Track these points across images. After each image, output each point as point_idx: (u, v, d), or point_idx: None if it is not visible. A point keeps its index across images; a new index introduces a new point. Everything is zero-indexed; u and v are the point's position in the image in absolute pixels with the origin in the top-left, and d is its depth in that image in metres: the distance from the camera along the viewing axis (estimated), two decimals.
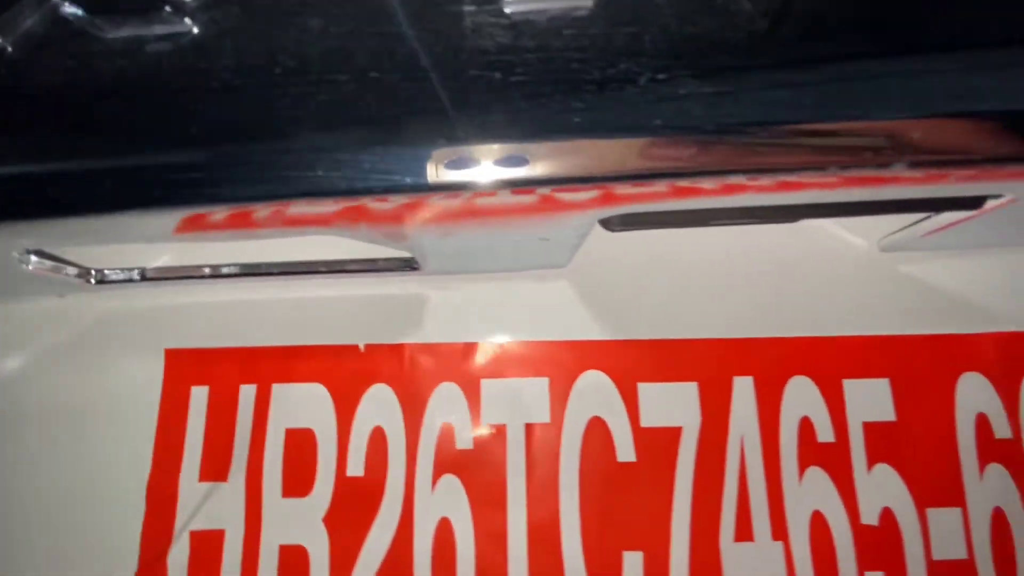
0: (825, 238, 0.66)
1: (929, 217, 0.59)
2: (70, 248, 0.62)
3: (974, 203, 0.51)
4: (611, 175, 0.42)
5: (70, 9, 0.46)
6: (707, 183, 0.43)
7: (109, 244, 0.58)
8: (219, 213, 0.48)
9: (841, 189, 0.47)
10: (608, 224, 0.55)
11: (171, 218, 0.47)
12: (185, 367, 0.67)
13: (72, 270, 0.62)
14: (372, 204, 0.48)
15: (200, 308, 0.68)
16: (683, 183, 0.43)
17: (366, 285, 0.67)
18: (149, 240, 0.54)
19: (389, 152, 0.42)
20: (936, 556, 0.60)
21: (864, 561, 0.60)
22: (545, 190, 0.45)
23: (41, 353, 0.67)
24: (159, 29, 0.45)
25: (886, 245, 0.65)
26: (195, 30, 0.45)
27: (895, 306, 0.66)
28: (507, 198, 0.46)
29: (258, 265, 0.63)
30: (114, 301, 0.68)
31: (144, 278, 0.64)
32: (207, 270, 0.63)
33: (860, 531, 0.61)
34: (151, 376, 0.67)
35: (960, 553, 0.60)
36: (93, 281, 0.63)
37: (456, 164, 0.42)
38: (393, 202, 0.46)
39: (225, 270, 0.63)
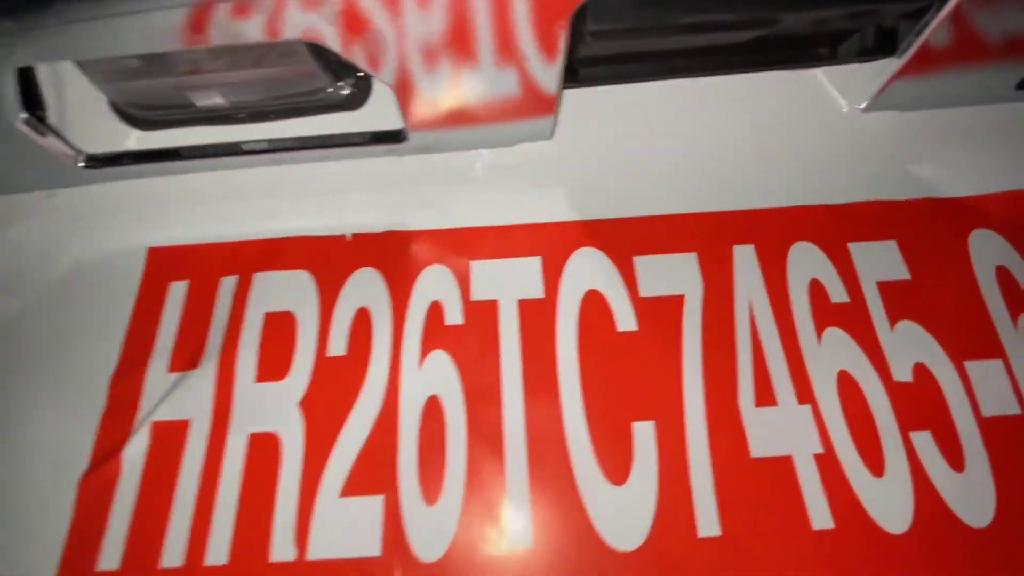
0: (810, 102, 0.60)
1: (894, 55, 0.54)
2: (66, 77, 0.55)
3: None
4: None
5: None
6: None
7: (113, 52, 0.50)
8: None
9: None
10: (575, 76, 0.51)
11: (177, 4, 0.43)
12: (166, 264, 0.60)
13: (62, 146, 0.56)
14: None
15: (185, 205, 0.62)
16: None
17: (352, 179, 0.62)
18: (155, 47, 0.48)
19: None
20: (986, 412, 0.49)
21: (906, 421, 0.49)
22: None
23: (26, 252, 0.60)
24: None
25: (867, 104, 0.59)
26: None
27: (889, 172, 0.59)
28: None
29: (244, 143, 0.59)
30: (100, 199, 0.61)
31: (132, 160, 0.59)
32: (193, 150, 0.58)
33: (895, 389, 0.50)
34: (131, 274, 0.59)
35: (1012, 407, 0.49)
36: (82, 163, 0.58)
37: None
38: None
39: (210, 150, 0.58)
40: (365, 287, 0.57)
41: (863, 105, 0.59)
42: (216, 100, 0.55)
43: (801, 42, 0.58)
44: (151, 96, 0.56)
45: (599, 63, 0.58)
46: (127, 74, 0.52)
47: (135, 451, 0.51)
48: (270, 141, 0.58)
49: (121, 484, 0.50)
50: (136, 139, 0.61)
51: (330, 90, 0.56)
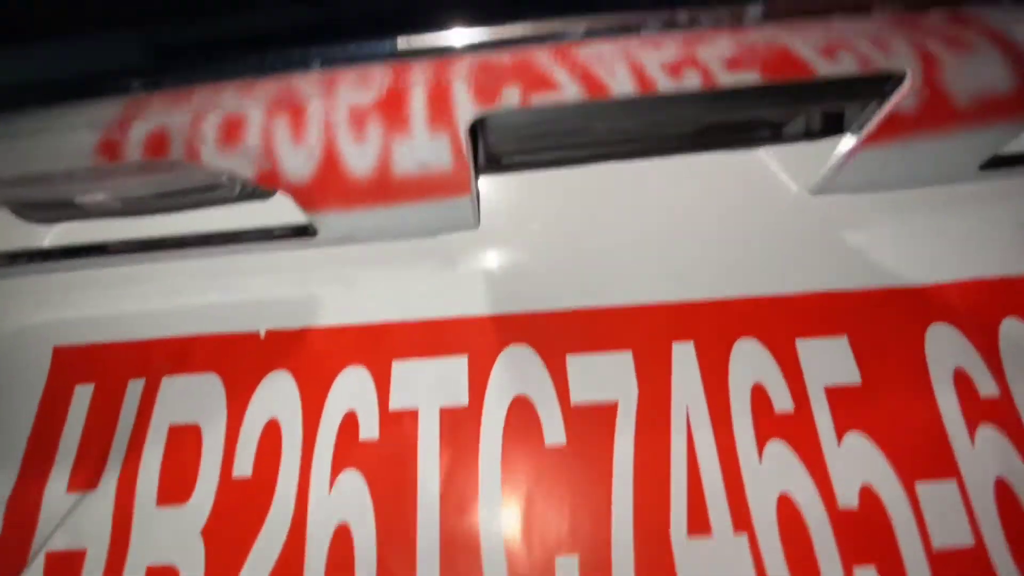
0: (755, 184, 0.55)
1: (844, 134, 0.49)
2: None
3: (878, 86, 0.43)
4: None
5: None
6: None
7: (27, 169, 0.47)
8: (138, 130, 0.40)
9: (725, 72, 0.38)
10: (496, 161, 0.46)
11: (94, 125, 0.40)
12: (72, 365, 0.54)
13: None
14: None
15: (89, 305, 0.56)
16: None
17: (266, 268, 0.56)
18: (69, 163, 0.44)
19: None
20: (937, 544, 0.44)
21: (850, 554, 0.44)
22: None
23: None
24: None
25: (815, 186, 0.53)
26: None
27: (841, 259, 0.53)
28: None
29: (153, 241, 0.53)
30: (3, 295, 0.57)
31: (35, 258, 0.53)
32: (92, 248, 0.53)
33: (839, 517, 0.45)
34: (36, 376, 0.54)
35: (965, 538, 0.44)
36: None
37: None
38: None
39: (117, 246, 0.53)
40: (277, 393, 0.51)
41: (812, 187, 0.53)
42: (100, 198, 0.49)
43: (743, 124, 0.52)
44: (35, 198, 0.50)
45: (523, 151, 0.52)
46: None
47: None
48: (178, 238, 0.52)
49: None
50: (53, 235, 0.56)
51: (227, 184, 0.50)
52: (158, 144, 0.43)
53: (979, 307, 0.51)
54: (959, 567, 0.43)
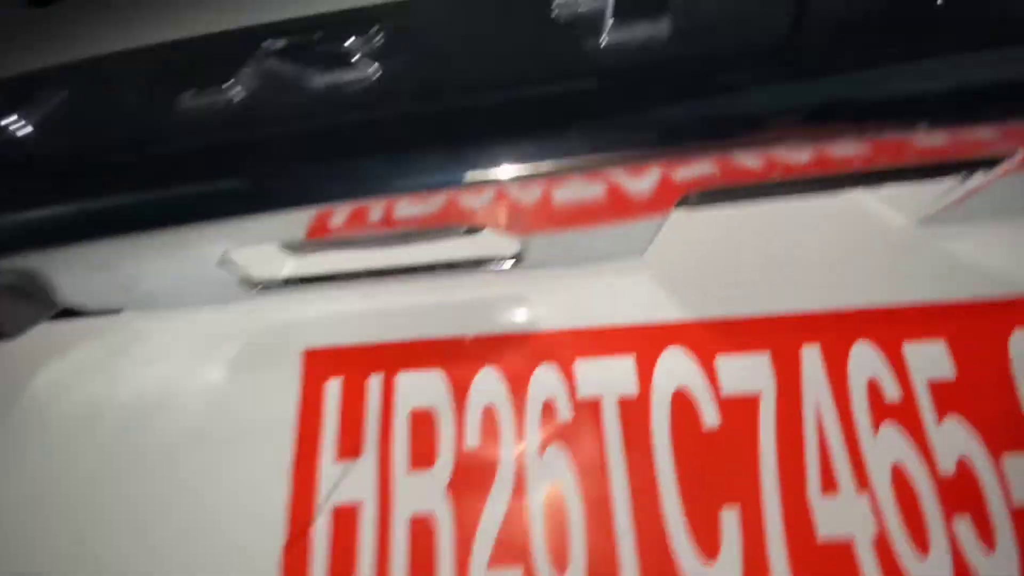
0: (870, 217, 0.67)
1: (958, 186, 0.61)
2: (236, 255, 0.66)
3: (991, 164, 0.54)
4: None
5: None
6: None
7: (263, 245, 0.63)
8: (339, 216, 0.53)
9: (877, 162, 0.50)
10: (686, 202, 0.59)
11: (302, 218, 0.54)
12: (321, 364, 0.70)
13: (243, 276, 0.67)
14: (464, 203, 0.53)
15: (332, 315, 0.71)
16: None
17: (470, 287, 0.70)
18: (288, 239, 0.59)
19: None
20: (1017, 501, 0.58)
21: (949, 508, 0.58)
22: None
23: (203, 354, 0.71)
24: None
25: (923, 220, 0.66)
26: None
27: (941, 275, 0.66)
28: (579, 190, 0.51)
29: (380, 270, 0.68)
30: (264, 312, 0.72)
31: (289, 282, 0.68)
32: (338, 275, 0.68)
33: (940, 481, 0.59)
34: (292, 374, 0.70)
35: None
36: (254, 289, 0.68)
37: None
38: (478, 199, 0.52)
39: (352, 274, 0.68)
40: (488, 385, 0.66)
41: (919, 220, 0.65)
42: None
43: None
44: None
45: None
46: None
47: (321, 530, 0.62)
48: (402, 267, 0.67)
49: (314, 556, 0.62)
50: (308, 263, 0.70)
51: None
52: (359, 217, 0.55)
53: None
54: None
